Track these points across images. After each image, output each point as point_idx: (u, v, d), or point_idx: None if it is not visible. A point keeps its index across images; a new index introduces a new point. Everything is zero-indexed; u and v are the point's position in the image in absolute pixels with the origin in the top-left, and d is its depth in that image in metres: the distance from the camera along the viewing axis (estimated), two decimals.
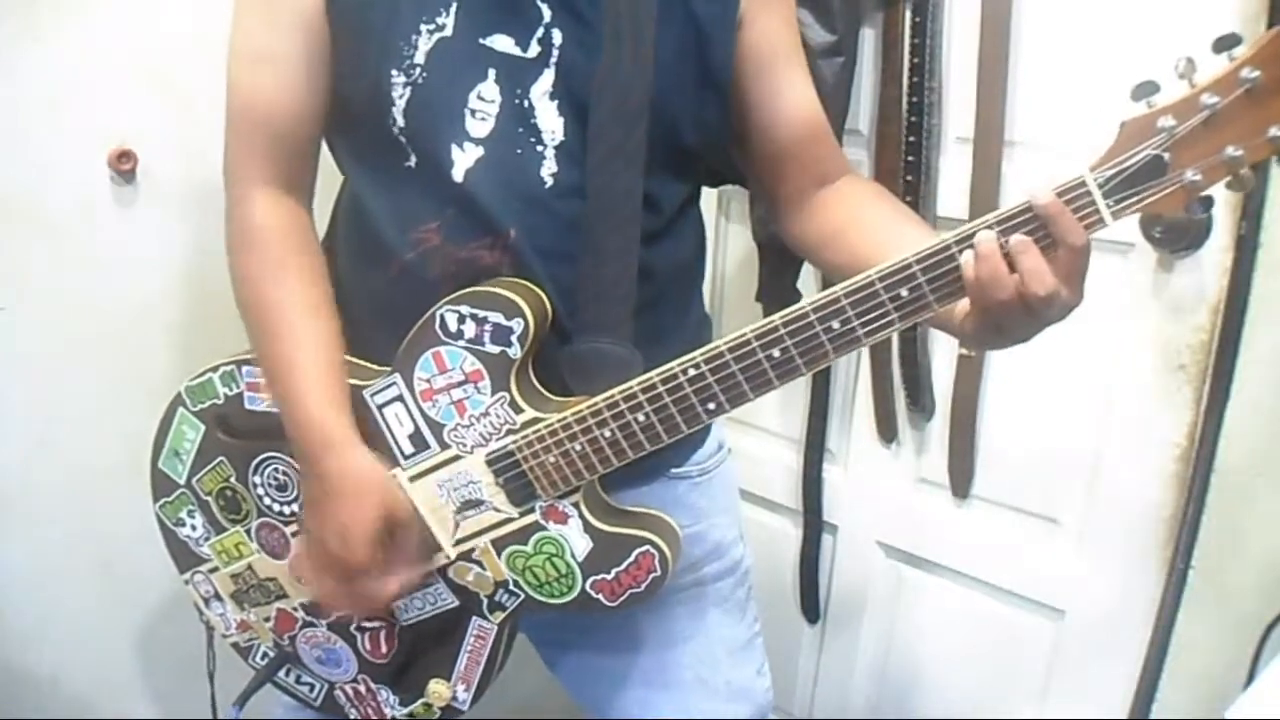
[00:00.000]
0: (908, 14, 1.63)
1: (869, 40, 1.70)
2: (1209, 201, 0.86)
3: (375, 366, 1.11)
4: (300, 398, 1.06)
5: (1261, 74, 0.81)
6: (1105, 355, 1.55)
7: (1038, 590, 1.71)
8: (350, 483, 1.04)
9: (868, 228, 1.12)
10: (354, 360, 1.12)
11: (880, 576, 1.93)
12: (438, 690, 1.20)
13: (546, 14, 1.04)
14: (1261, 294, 1.40)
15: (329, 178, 1.17)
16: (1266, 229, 1.38)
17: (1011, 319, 0.92)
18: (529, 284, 1.04)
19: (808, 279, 1.79)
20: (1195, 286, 1.45)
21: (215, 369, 1.18)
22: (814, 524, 1.99)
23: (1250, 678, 1.43)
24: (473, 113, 1.04)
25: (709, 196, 1.43)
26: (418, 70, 1.02)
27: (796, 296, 1.76)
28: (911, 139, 1.66)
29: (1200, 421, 1.47)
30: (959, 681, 1.85)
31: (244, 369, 1.16)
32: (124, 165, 1.55)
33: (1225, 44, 0.82)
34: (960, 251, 0.90)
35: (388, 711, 1.24)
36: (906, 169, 1.67)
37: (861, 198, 1.18)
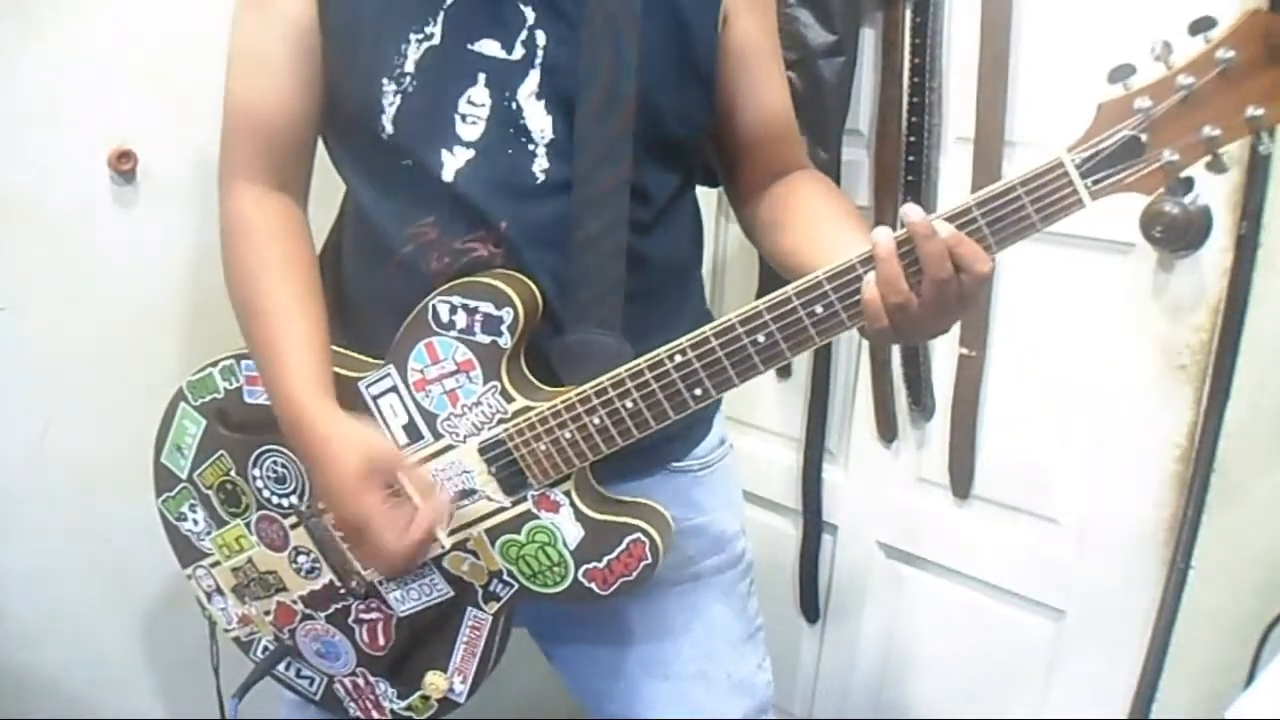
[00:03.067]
0: (908, 14, 1.63)
1: (869, 40, 1.71)
2: (1189, 183, 0.86)
3: (370, 359, 1.12)
4: (282, 379, 1.07)
5: (1237, 54, 0.81)
6: (1105, 355, 1.55)
7: (1038, 590, 1.70)
8: (329, 447, 1.05)
9: (804, 221, 1.14)
10: (348, 353, 1.14)
11: (880, 576, 1.93)
12: (435, 682, 1.20)
13: (530, 16, 1.05)
14: (1261, 294, 1.39)
15: (335, 179, 1.18)
16: (1266, 229, 1.37)
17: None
18: (519, 275, 1.06)
19: None
20: (1195, 286, 1.45)
21: (215, 364, 1.20)
22: (814, 524, 1.98)
23: (1250, 678, 1.42)
24: (463, 117, 1.05)
25: (708, 197, 1.43)
26: (408, 79, 1.04)
27: None
28: (911, 139, 1.66)
29: (1200, 421, 1.47)
30: (959, 681, 1.84)
31: (243, 363, 1.18)
32: (124, 165, 1.56)
33: (1201, 26, 0.82)
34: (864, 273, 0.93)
35: (385, 704, 1.24)
36: (906, 169, 1.68)
37: (808, 193, 1.19)
